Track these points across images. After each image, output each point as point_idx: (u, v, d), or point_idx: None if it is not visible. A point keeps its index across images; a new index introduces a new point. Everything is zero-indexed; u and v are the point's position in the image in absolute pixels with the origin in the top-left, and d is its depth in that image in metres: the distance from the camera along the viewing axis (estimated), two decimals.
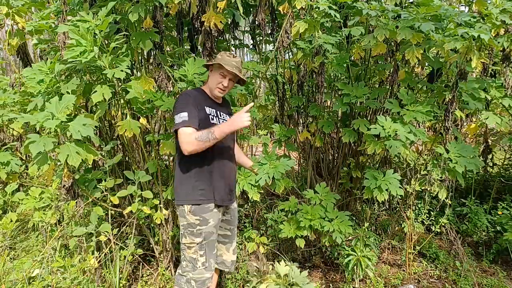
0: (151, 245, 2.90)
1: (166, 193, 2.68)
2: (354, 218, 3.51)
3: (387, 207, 3.98)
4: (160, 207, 2.70)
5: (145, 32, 2.49)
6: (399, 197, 3.03)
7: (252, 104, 2.09)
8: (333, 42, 2.85)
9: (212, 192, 2.09)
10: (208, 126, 2.07)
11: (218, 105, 2.25)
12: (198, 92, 2.19)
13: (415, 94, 3.19)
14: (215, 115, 2.17)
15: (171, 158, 2.95)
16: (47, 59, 2.90)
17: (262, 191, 2.71)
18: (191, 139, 1.93)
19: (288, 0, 2.72)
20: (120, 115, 2.50)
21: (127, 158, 3.09)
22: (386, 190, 2.68)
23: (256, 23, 2.92)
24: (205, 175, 2.08)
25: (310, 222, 2.68)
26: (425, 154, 3.29)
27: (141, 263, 2.97)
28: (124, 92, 2.40)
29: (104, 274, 2.61)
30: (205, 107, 2.12)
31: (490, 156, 4.09)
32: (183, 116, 1.98)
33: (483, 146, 4.10)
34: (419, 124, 3.65)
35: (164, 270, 2.83)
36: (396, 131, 2.65)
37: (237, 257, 3.02)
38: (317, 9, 2.74)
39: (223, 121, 2.20)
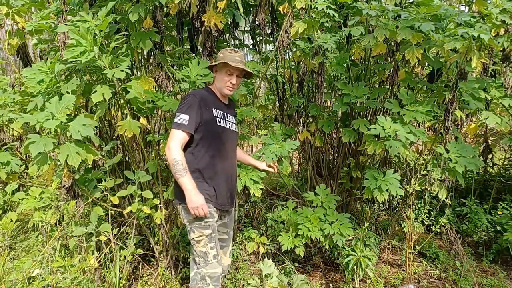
0: (151, 245, 2.90)
1: (166, 193, 2.68)
2: (354, 218, 3.51)
3: (387, 207, 3.98)
4: (160, 207, 2.70)
5: (145, 32, 2.49)
6: (399, 197, 3.03)
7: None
8: (332, 42, 2.85)
9: (214, 195, 2.09)
10: (215, 128, 2.08)
11: (226, 106, 2.24)
12: (208, 92, 2.17)
13: (415, 94, 3.19)
14: (222, 117, 2.16)
15: None
16: (47, 59, 2.90)
17: (263, 187, 2.70)
18: (174, 151, 1.95)
19: (288, 0, 2.72)
20: (120, 115, 2.50)
21: (127, 158, 3.09)
22: (386, 190, 2.67)
23: (256, 23, 2.92)
24: (208, 178, 2.07)
25: (308, 232, 2.68)
26: (425, 154, 3.29)
27: (141, 263, 2.97)
28: (124, 92, 2.40)
29: (104, 274, 2.61)
30: (213, 109, 2.11)
31: (490, 156, 4.09)
32: (184, 118, 1.99)
33: (483, 146, 4.10)
34: (419, 124, 3.65)
35: (164, 270, 2.83)
36: (396, 131, 2.65)
37: (237, 257, 3.03)
38: (315, 9, 2.73)
39: (229, 123, 2.20)
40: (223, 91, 2.16)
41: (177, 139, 1.99)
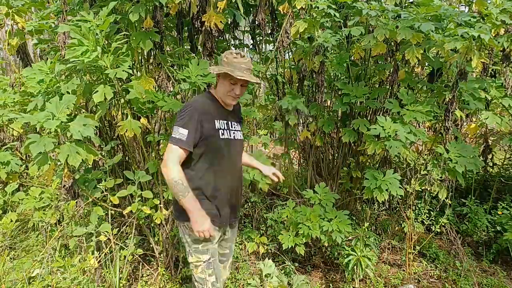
0: (151, 245, 2.90)
1: (166, 193, 2.68)
2: (354, 218, 3.51)
3: (387, 207, 3.98)
4: (160, 207, 2.70)
5: (145, 32, 2.49)
6: (399, 197, 3.03)
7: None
8: (333, 41, 2.85)
9: (217, 215, 1.94)
10: (217, 142, 1.91)
11: (229, 113, 2.04)
12: (209, 99, 1.97)
13: (415, 94, 3.19)
14: (226, 127, 1.97)
15: None
16: (47, 59, 2.90)
17: (270, 183, 2.65)
18: (173, 170, 1.78)
19: (288, 0, 2.73)
20: (120, 115, 2.50)
21: (127, 158, 3.09)
22: (386, 190, 2.68)
23: (256, 23, 2.92)
24: (211, 196, 1.92)
25: (309, 230, 2.67)
26: (425, 154, 3.29)
27: (141, 263, 2.97)
28: (124, 92, 2.40)
29: (104, 274, 2.61)
30: (215, 120, 1.92)
31: (490, 156, 4.09)
32: (182, 133, 1.81)
33: (483, 146, 4.10)
34: (419, 124, 3.65)
35: (164, 270, 2.83)
36: (396, 131, 2.65)
37: (237, 257, 3.03)
38: (316, 9, 2.74)
39: (234, 133, 2.02)
40: (225, 100, 1.96)
41: (174, 155, 1.81)
